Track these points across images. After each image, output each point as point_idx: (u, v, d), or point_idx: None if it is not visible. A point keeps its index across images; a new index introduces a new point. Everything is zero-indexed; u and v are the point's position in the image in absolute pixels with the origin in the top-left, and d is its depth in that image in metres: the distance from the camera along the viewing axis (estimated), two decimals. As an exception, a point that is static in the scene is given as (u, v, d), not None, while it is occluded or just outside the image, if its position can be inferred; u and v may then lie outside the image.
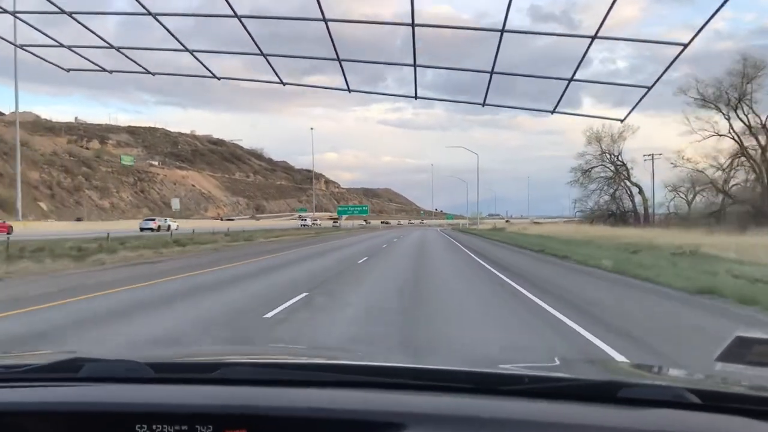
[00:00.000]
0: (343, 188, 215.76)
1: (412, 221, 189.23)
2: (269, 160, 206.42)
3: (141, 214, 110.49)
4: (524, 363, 2.12)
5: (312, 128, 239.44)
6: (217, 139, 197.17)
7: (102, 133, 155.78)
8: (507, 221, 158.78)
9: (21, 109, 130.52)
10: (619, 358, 6.34)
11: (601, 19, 2.53)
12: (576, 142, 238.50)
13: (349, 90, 3.78)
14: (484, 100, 3.38)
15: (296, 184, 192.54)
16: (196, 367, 1.80)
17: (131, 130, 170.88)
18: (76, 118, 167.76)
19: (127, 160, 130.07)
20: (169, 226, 60.97)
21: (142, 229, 57.69)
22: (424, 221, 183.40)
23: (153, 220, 65.57)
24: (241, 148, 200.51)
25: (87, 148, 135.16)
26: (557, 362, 2.44)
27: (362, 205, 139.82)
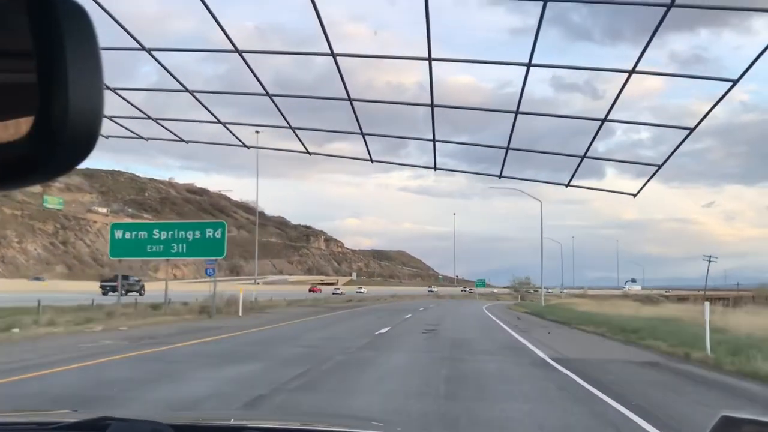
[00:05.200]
0: (347, 248, 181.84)
1: (467, 290, 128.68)
2: (261, 215, 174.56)
3: (49, 271, 78.09)
4: None
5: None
6: (199, 188, 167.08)
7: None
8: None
9: None
10: None
11: (611, 102, 4.71)
12: (598, 211, 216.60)
13: (371, 160, 6.44)
14: (501, 173, 5.03)
15: (289, 241, 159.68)
16: (215, 430, 1.90)
17: (90, 173, 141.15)
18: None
19: (52, 203, 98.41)
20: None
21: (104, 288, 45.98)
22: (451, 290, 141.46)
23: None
24: (229, 199, 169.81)
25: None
26: None
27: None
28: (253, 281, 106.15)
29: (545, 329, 21.79)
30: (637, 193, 12.63)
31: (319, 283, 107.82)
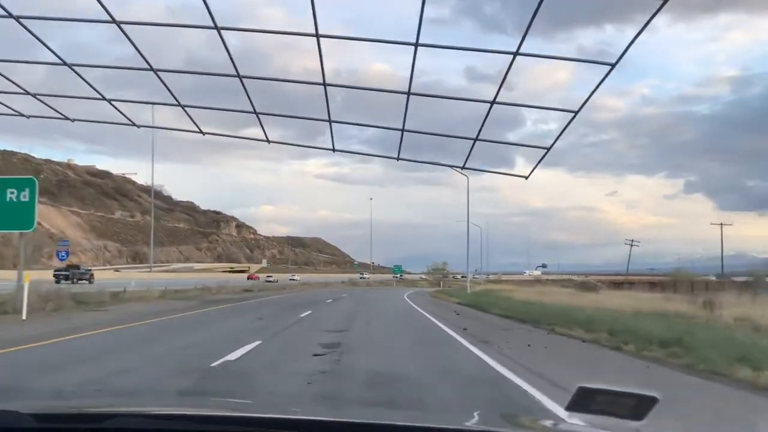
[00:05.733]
0: (260, 235, 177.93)
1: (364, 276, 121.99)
2: (168, 199, 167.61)
3: None
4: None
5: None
6: (101, 171, 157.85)
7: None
8: (462, 277, 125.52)
9: None
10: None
11: (498, 85, 4.60)
12: (508, 199, 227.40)
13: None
14: (398, 155, 5.19)
15: (198, 228, 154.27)
16: (81, 418, 1.73)
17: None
18: None
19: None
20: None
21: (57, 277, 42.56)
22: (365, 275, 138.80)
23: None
24: (134, 183, 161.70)
25: None
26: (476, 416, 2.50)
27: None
28: (151, 269, 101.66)
29: (513, 335, 14.27)
30: (529, 175, 13.10)
31: (229, 271, 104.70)
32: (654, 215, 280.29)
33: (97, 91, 11.66)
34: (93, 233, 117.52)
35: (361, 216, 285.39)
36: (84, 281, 46.54)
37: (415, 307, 28.62)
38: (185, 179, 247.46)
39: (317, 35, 7.28)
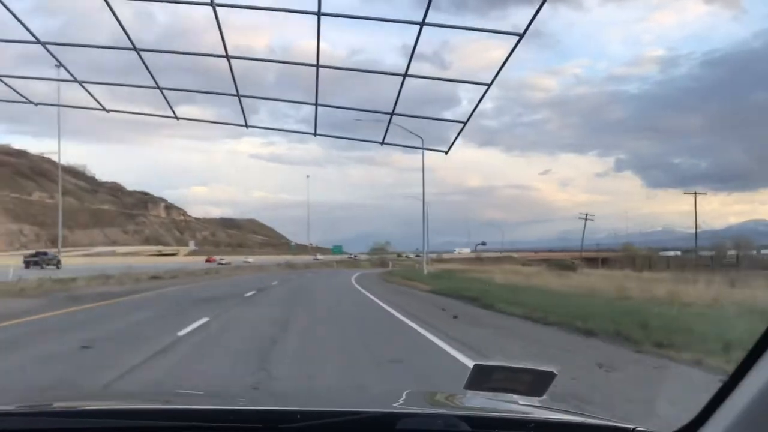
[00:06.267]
0: (190, 216, 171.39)
1: (353, 256, 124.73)
2: (91, 179, 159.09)
3: None
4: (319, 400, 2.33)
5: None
6: (16, 150, 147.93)
7: None
8: (416, 256, 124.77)
9: None
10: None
11: (410, 59, 2.79)
12: (444, 179, 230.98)
13: (246, 125, 4.32)
14: (315, 131, 3.88)
15: (125, 209, 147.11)
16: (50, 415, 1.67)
17: None
18: None
19: None
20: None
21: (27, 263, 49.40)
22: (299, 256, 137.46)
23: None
24: (53, 163, 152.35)
25: None
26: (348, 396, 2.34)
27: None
28: (59, 252, 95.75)
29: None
30: (448, 150, 13.58)
31: (157, 255, 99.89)
32: (586, 192, 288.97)
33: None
34: (7, 216, 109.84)
35: (299, 197, 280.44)
36: (52, 266, 49.52)
37: (374, 299, 21.31)
38: (112, 160, 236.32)
39: (319, 13, 5.78)
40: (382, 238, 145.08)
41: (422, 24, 10.13)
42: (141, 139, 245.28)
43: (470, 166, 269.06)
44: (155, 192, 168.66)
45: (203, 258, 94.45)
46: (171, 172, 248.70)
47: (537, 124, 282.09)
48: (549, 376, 1.67)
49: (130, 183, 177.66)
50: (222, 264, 79.02)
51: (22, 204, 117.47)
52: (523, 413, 1.64)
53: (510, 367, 1.70)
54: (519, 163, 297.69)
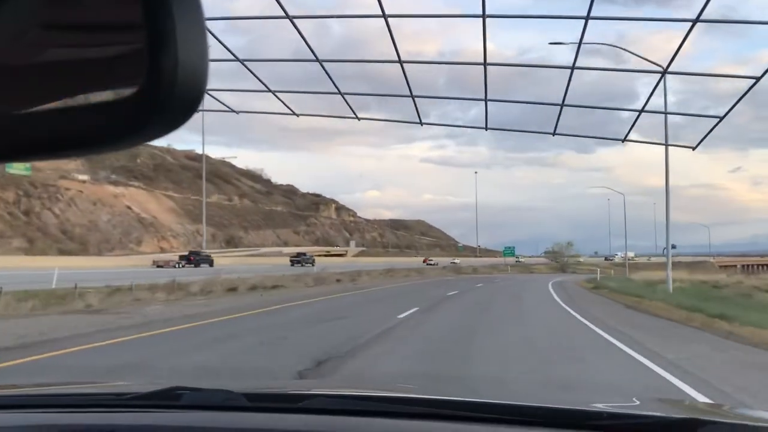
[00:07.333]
0: (360, 218, 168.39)
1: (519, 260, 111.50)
2: (267, 183, 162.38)
3: (3, 246, 66.85)
4: (601, 401, 2.10)
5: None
6: (199, 155, 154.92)
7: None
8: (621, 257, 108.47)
9: None
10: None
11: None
12: (621, 178, 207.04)
13: (421, 123, 6.38)
14: (555, 130, 4.97)
15: (297, 210, 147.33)
16: (285, 398, 1.90)
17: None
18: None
19: (18, 168, 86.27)
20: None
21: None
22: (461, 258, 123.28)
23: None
24: (232, 167, 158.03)
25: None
26: (635, 401, 2.38)
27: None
28: (250, 254, 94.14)
29: None
30: (697, 145, 13.40)
31: (325, 255, 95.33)
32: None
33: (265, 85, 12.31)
34: (187, 217, 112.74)
35: (466, 199, 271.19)
36: (205, 265, 52.01)
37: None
38: (289, 166, 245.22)
39: (483, 16, 6.66)
40: (552, 241, 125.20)
41: (587, 18, 9.68)
42: (317, 146, 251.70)
43: (649, 166, 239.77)
44: (330, 196, 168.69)
45: (370, 259, 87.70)
46: (345, 178, 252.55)
47: (725, 118, 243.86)
48: None
49: (305, 187, 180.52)
50: (431, 264, 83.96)
51: (200, 206, 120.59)
52: None
53: None
54: (703, 160, 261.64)
